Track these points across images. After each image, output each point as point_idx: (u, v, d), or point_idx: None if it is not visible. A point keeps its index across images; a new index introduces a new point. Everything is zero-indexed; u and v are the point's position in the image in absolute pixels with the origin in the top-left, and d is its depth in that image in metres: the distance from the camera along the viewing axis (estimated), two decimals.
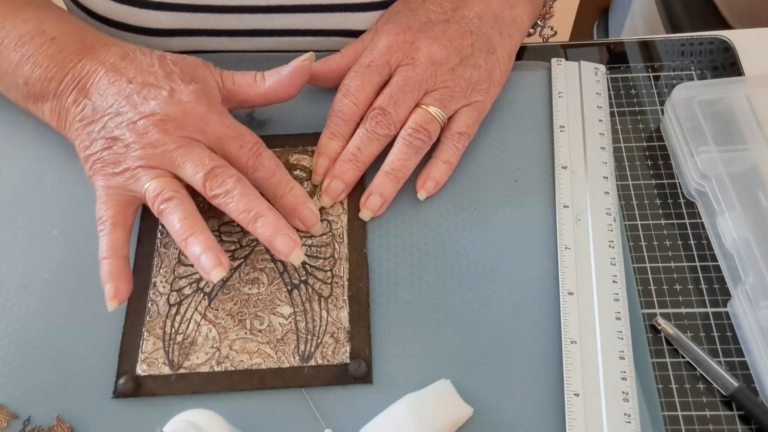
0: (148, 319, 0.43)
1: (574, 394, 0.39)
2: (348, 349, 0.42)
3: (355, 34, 0.53)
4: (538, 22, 0.56)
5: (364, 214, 0.46)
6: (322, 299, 0.43)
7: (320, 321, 0.43)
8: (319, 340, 0.42)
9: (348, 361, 0.41)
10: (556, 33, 0.57)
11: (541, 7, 0.55)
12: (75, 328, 0.43)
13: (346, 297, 0.43)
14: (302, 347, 0.42)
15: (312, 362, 0.41)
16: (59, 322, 0.43)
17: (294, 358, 0.41)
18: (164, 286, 0.44)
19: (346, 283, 0.44)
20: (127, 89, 0.43)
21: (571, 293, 0.42)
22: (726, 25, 0.76)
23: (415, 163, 0.47)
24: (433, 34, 0.47)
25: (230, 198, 0.41)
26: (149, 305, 0.43)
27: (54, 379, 0.41)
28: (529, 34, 0.55)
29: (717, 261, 0.45)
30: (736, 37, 0.54)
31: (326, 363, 0.41)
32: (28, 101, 0.47)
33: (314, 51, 0.52)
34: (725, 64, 0.53)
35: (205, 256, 0.40)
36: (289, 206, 0.44)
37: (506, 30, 0.50)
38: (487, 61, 0.48)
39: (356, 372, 0.40)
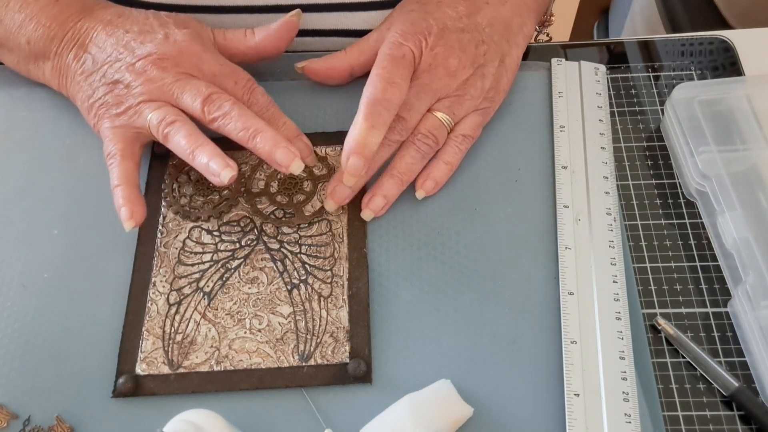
0: (147, 318, 0.43)
1: (575, 394, 0.39)
2: (347, 348, 0.41)
3: (353, 33, 0.53)
4: (536, 28, 0.56)
5: (366, 215, 0.46)
6: (322, 299, 0.43)
7: (320, 320, 0.43)
8: (318, 340, 0.42)
9: (347, 360, 0.41)
10: (551, 39, 0.58)
11: (542, 16, 0.56)
12: (75, 328, 0.43)
13: (345, 296, 0.43)
14: (302, 347, 0.42)
15: (311, 362, 0.41)
16: (59, 322, 0.43)
17: (293, 357, 0.41)
18: (164, 286, 0.44)
19: (346, 282, 0.44)
20: (125, 38, 0.46)
21: (571, 293, 0.42)
22: (726, 25, 0.76)
23: (420, 167, 0.47)
24: (449, 44, 0.48)
25: (228, 119, 0.43)
26: (149, 305, 0.43)
27: (54, 379, 0.41)
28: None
29: (717, 261, 0.45)
30: (736, 37, 0.54)
31: (326, 362, 0.41)
32: (29, 61, 0.49)
33: (312, 51, 0.52)
34: (725, 64, 0.53)
35: (213, 162, 0.42)
36: None
37: (514, 39, 0.50)
38: (497, 69, 0.49)
39: (356, 372, 0.40)
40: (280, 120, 0.46)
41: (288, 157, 0.42)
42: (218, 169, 0.42)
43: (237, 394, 0.41)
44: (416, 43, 0.47)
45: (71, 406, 0.40)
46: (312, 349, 0.42)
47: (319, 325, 0.42)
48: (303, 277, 0.44)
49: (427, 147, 0.46)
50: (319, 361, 0.41)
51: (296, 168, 0.42)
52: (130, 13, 0.47)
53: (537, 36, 0.57)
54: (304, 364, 0.41)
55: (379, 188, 0.46)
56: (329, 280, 0.44)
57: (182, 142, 0.43)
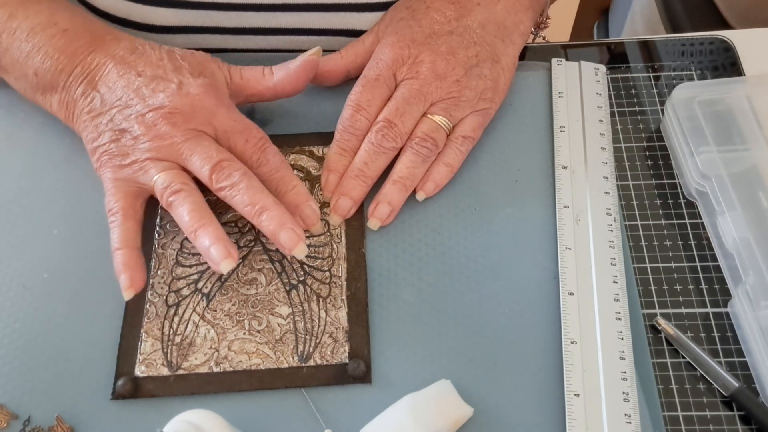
0: (146, 320, 0.43)
1: (575, 395, 0.39)
2: (347, 349, 0.41)
3: (359, 34, 0.53)
4: (532, 30, 0.56)
5: (373, 224, 0.46)
6: (321, 299, 0.43)
7: (318, 321, 0.43)
8: (317, 340, 0.42)
9: (347, 361, 0.41)
10: (548, 43, 0.58)
11: (539, 16, 0.56)
12: (75, 328, 0.43)
13: (344, 297, 0.43)
14: (301, 347, 0.42)
15: (311, 362, 0.41)
16: (59, 322, 0.43)
17: (293, 358, 0.41)
18: (162, 288, 0.44)
19: (345, 283, 0.44)
20: (136, 82, 0.44)
21: (571, 293, 0.42)
22: (726, 25, 0.76)
23: (423, 171, 0.47)
24: (436, 48, 0.48)
25: (236, 191, 0.42)
26: (147, 306, 0.43)
27: (54, 379, 0.41)
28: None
29: (717, 261, 0.45)
30: (736, 37, 0.54)
31: (325, 363, 0.41)
32: (36, 92, 0.47)
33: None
34: (725, 64, 0.53)
35: (214, 248, 0.40)
36: (291, 204, 0.44)
37: (509, 37, 0.50)
38: (492, 70, 0.49)
39: (355, 372, 0.40)
40: (290, 183, 0.44)
41: (292, 240, 0.41)
42: (218, 257, 0.40)
43: (236, 395, 0.40)
44: (398, 55, 0.47)
45: (71, 406, 0.40)
46: (311, 349, 0.42)
47: (318, 326, 0.42)
48: (301, 278, 0.44)
49: (426, 150, 0.46)
50: (319, 362, 0.41)
51: (299, 252, 0.41)
52: (144, 51, 0.46)
53: (534, 39, 0.57)
54: (303, 364, 0.41)
55: (382, 195, 0.46)
56: (328, 281, 0.44)
57: (186, 217, 0.41)
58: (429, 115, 0.47)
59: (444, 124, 0.47)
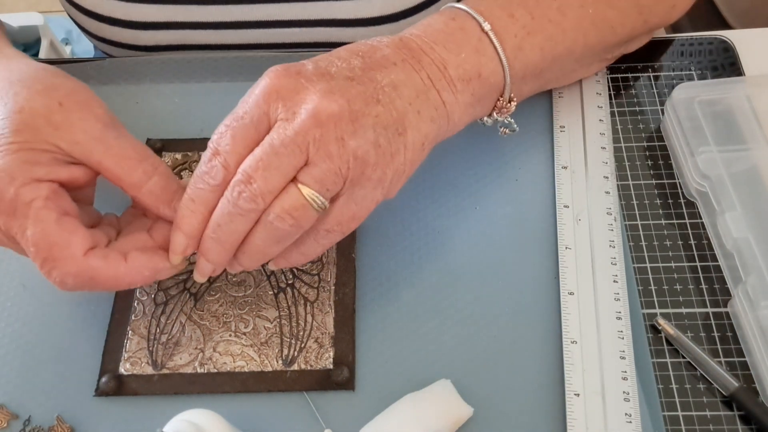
0: (133, 318, 0.43)
1: (575, 394, 0.39)
2: (331, 354, 0.41)
3: (340, 23, 0.53)
4: (494, 114, 0.45)
5: (196, 277, 0.39)
6: (308, 303, 0.43)
7: (305, 325, 0.42)
8: (302, 345, 0.42)
9: (331, 366, 0.41)
10: (515, 131, 0.47)
11: (496, 100, 0.44)
12: (75, 327, 0.43)
13: (332, 302, 0.43)
14: (286, 351, 0.42)
15: (295, 366, 0.41)
16: (59, 322, 0.43)
17: (277, 362, 0.41)
18: (151, 286, 0.44)
19: (333, 287, 0.44)
20: None
21: (571, 293, 0.42)
22: (726, 25, 0.76)
23: (275, 251, 0.38)
24: (327, 87, 0.36)
25: None
26: (135, 304, 0.43)
27: (54, 379, 0.41)
28: (484, 123, 0.46)
29: (717, 261, 0.45)
30: (736, 37, 0.54)
31: (309, 368, 0.41)
32: None
33: (299, 43, 0.52)
34: (725, 64, 0.53)
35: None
36: None
37: (428, 112, 0.39)
38: (392, 142, 0.38)
39: (338, 378, 0.40)
40: None
41: None
42: None
43: (221, 396, 0.40)
44: (274, 86, 0.37)
45: (71, 406, 0.40)
46: (296, 353, 0.41)
47: (304, 330, 0.42)
48: (290, 281, 0.44)
49: (282, 231, 0.37)
50: (303, 366, 0.41)
51: None
52: None
53: (496, 122, 0.46)
54: (287, 368, 0.41)
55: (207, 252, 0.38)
56: (316, 285, 0.44)
57: None
58: (300, 184, 0.36)
59: (314, 200, 0.36)
